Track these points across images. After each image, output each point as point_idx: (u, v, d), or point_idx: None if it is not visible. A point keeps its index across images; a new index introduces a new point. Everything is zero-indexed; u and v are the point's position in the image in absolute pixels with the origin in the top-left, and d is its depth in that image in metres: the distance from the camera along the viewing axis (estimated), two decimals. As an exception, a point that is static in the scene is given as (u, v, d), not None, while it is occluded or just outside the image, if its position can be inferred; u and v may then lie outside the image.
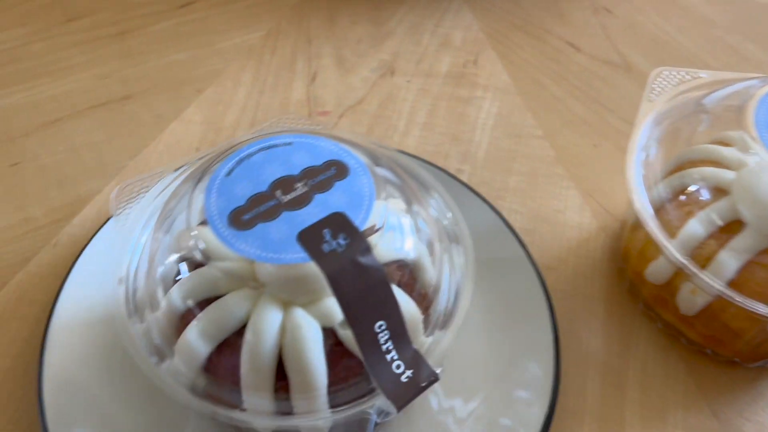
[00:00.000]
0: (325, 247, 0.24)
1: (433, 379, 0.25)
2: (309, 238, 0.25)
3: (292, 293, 0.26)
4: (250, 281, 0.26)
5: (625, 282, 0.38)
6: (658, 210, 0.33)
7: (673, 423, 0.33)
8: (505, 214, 0.41)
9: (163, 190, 0.31)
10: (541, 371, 0.32)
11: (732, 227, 0.32)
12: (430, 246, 0.30)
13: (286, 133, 0.30)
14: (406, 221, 0.29)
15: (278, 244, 0.25)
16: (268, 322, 0.25)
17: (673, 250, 0.31)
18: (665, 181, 0.34)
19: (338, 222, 0.25)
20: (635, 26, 0.55)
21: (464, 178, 0.43)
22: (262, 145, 0.29)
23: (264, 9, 0.55)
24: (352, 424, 0.29)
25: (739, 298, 0.30)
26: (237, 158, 0.28)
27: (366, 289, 0.24)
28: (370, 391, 0.26)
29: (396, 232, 0.28)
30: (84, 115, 0.46)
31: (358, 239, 0.25)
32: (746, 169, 0.32)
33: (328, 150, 0.29)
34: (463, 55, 0.52)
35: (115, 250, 0.30)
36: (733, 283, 0.31)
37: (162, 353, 0.27)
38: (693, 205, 0.33)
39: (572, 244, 0.41)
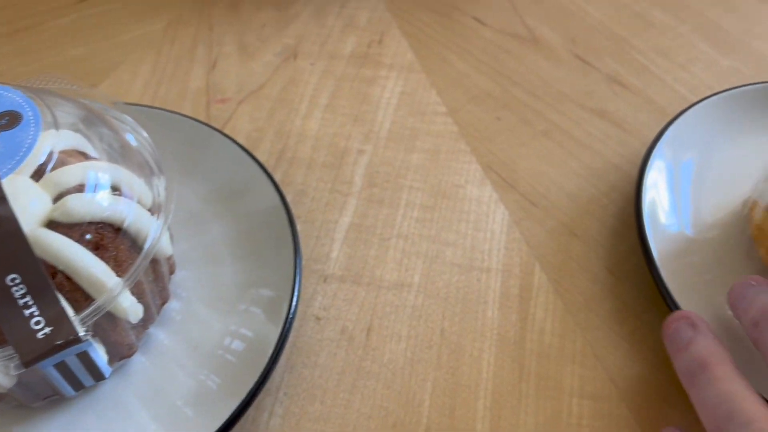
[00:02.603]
0: None
1: (72, 339, 0.25)
2: None
3: None
4: None
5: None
6: None
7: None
8: (405, 191, 0.41)
9: None
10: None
11: None
12: (130, 209, 0.29)
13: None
14: (107, 181, 0.29)
15: None
16: None
17: None
18: None
19: None
20: (544, -2, 0.55)
21: (366, 158, 0.43)
22: None
23: (166, 0, 0.53)
24: (38, 382, 0.28)
25: None
26: None
27: None
28: None
29: (94, 192, 0.28)
30: (-26, 116, 0.45)
31: None
32: None
33: (10, 100, 0.28)
34: (368, 35, 0.51)
35: None
36: None
37: None
38: None
39: (471, 218, 0.40)
